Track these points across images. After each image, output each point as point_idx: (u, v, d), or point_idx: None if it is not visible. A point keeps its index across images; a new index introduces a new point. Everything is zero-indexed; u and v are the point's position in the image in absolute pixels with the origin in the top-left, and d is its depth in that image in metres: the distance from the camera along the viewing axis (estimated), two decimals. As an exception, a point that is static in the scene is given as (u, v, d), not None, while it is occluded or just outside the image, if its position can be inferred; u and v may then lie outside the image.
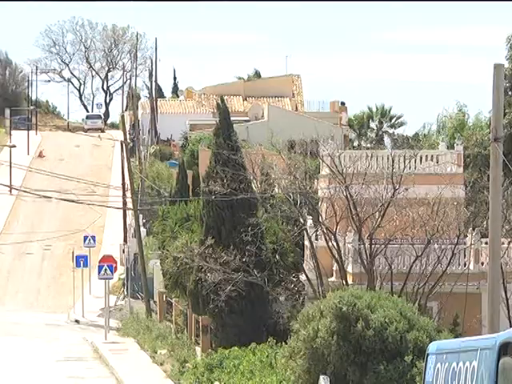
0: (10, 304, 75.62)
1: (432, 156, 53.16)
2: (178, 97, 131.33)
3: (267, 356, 42.47)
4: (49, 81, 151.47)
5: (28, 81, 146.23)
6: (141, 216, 75.22)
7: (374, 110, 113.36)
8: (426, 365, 17.87)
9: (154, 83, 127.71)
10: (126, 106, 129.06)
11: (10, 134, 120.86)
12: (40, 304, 76.08)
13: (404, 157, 49.11)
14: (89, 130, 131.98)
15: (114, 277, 67.25)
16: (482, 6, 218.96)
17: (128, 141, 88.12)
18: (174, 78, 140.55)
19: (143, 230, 74.80)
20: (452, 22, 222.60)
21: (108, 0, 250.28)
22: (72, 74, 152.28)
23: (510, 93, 66.60)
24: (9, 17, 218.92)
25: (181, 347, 51.64)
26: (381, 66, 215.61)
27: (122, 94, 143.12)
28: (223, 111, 55.57)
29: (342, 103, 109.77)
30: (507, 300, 38.56)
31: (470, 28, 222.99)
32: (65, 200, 78.76)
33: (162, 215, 71.05)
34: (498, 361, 13.04)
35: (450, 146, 61.32)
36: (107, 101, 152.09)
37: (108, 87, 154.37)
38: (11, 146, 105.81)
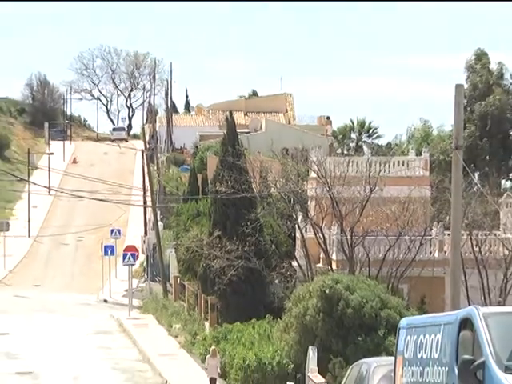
0: (49, 286, 75.50)
1: (403, 162, 53.35)
2: (190, 112, 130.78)
3: (264, 330, 42.80)
4: (81, 99, 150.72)
5: (63, 99, 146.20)
6: (158, 212, 74.58)
7: (355, 123, 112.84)
8: (397, 337, 17.83)
9: (169, 101, 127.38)
10: (146, 120, 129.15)
11: (49, 144, 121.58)
12: (74, 286, 75.61)
13: (379, 162, 49.29)
14: (114, 140, 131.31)
15: (136, 263, 67.51)
16: (445, 34, 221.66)
17: (147, 149, 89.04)
18: (187, 96, 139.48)
19: (160, 224, 74.28)
20: (420, 49, 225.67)
21: (127, 28, 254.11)
22: (100, 92, 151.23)
23: (468, 108, 67.67)
24: (47, 44, 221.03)
25: (192, 322, 52.10)
26: (361, 86, 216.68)
27: (143, 110, 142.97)
28: (230, 124, 55.83)
29: (328, 117, 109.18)
30: (466, 283, 38.19)
31: (435, 54, 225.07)
32: (94, 199, 78.81)
33: (176, 212, 72.31)
34: (459, 334, 13.40)
35: (418, 153, 60.67)
36: (130, 115, 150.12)
37: (131, 104, 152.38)
38: (49, 154, 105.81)
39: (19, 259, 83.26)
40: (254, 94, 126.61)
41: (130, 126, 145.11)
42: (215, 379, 39.08)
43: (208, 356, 39.86)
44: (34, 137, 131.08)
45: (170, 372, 43.24)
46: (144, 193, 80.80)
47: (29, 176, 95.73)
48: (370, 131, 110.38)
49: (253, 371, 39.17)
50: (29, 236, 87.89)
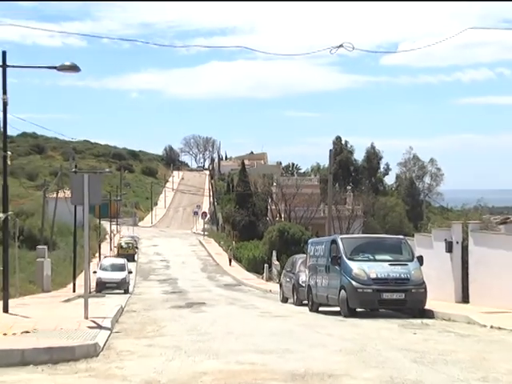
0: (172, 227, 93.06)
1: (310, 178, 72.21)
2: (226, 159, 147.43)
3: (257, 245, 54.23)
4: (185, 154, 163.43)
5: (178, 155, 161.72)
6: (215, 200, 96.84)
7: (291, 165, 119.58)
8: (307, 246, 21.34)
9: (218, 158, 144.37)
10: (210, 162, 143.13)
11: (172, 172, 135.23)
12: (182, 227, 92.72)
13: (299, 179, 66.97)
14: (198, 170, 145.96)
15: (206, 218, 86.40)
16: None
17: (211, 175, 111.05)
18: (225, 155, 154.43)
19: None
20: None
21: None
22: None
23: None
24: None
25: (227, 241, 65.27)
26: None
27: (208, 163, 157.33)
28: (242, 165, 76.97)
29: (281, 162, 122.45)
30: (333, 226, 42.31)
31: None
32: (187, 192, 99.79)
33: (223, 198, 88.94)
34: (331, 245, 17.82)
35: (315, 175, 79.58)
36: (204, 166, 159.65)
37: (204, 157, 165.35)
38: (171, 176, 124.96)
39: (160, 217, 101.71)
40: (251, 153, 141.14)
41: (203, 166, 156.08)
42: (231, 259, 56.08)
43: (229, 252, 57.63)
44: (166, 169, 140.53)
45: (219, 259, 59.49)
46: (210, 192, 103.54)
47: (164, 184, 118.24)
48: (296, 168, 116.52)
49: (251, 260, 53.38)
50: (165, 207, 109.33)
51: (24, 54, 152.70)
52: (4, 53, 15.57)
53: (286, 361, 8.37)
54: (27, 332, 10.72)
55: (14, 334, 10.59)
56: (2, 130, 17.05)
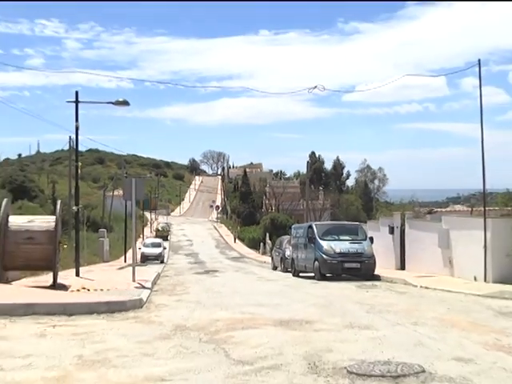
0: (194, 216, 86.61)
1: (294, 181, 71.06)
2: (232, 168, 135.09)
3: (255, 229, 53.31)
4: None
5: (199, 165, 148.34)
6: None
7: (278, 171, 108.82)
8: (291, 230, 21.05)
9: (227, 167, 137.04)
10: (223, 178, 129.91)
11: (194, 177, 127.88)
12: (196, 215, 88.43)
13: (285, 182, 65.44)
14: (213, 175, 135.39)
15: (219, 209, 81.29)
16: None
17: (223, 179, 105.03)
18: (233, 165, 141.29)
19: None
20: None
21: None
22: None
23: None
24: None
25: (234, 226, 61.06)
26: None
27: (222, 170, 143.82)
28: (244, 172, 77.32)
29: (271, 170, 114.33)
30: (310, 215, 42.65)
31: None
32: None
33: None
34: (308, 229, 17.49)
35: (297, 179, 78.93)
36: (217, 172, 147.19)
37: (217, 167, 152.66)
38: (190, 183, 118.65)
39: (185, 209, 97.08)
40: (251, 163, 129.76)
41: (217, 172, 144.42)
42: (235, 238, 53.93)
43: (235, 233, 55.90)
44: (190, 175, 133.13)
45: (228, 239, 57.58)
46: (222, 191, 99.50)
47: (189, 185, 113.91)
48: (282, 174, 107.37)
49: (251, 239, 51.98)
50: (189, 202, 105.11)
51: (89, 93, 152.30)
52: (77, 92, 15.79)
53: (276, 311, 8.29)
54: (93, 290, 10.68)
55: (84, 291, 10.54)
56: (75, 146, 17.20)
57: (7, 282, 11.04)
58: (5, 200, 11.26)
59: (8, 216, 10.96)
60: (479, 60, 13.81)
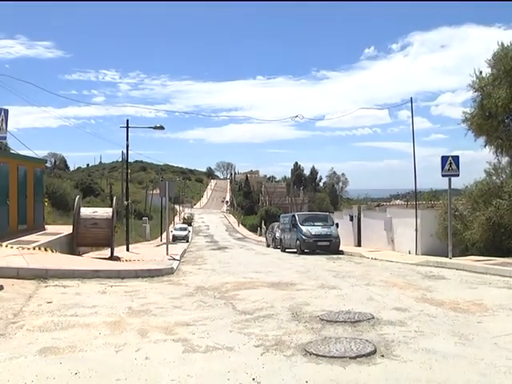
0: (209, 208, 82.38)
1: (283, 183, 66.80)
2: (238, 174, 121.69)
3: (255, 219, 49.56)
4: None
5: (214, 171, 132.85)
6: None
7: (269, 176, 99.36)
8: (280, 219, 19.32)
9: (234, 173, 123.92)
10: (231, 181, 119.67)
11: (210, 181, 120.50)
12: (215, 209, 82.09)
13: (275, 184, 62.48)
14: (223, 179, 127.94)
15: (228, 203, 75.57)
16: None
17: (231, 183, 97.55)
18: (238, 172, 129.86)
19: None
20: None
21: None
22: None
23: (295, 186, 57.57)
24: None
25: (239, 216, 57.54)
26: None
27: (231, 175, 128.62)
28: (246, 177, 72.59)
29: (266, 175, 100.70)
30: (294, 208, 39.65)
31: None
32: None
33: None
34: (292, 218, 16.45)
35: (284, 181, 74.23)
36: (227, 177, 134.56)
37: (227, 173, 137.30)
38: (207, 185, 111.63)
39: (204, 203, 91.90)
40: (251, 170, 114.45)
41: (227, 177, 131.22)
42: (239, 223, 50.86)
43: (239, 220, 52.95)
44: (208, 179, 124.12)
45: (234, 225, 54.07)
46: (230, 191, 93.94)
47: (206, 186, 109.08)
48: (274, 178, 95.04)
49: (251, 225, 48.32)
50: (207, 198, 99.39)
51: (136, 121, 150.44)
52: (127, 120, 15.91)
53: (269, 277, 8.06)
54: (138, 261, 10.64)
55: (132, 261, 10.51)
56: (126, 158, 17.10)
57: (79, 254, 11.18)
58: (77, 197, 11.66)
59: (80, 208, 11.31)
60: (411, 98, 14.53)
